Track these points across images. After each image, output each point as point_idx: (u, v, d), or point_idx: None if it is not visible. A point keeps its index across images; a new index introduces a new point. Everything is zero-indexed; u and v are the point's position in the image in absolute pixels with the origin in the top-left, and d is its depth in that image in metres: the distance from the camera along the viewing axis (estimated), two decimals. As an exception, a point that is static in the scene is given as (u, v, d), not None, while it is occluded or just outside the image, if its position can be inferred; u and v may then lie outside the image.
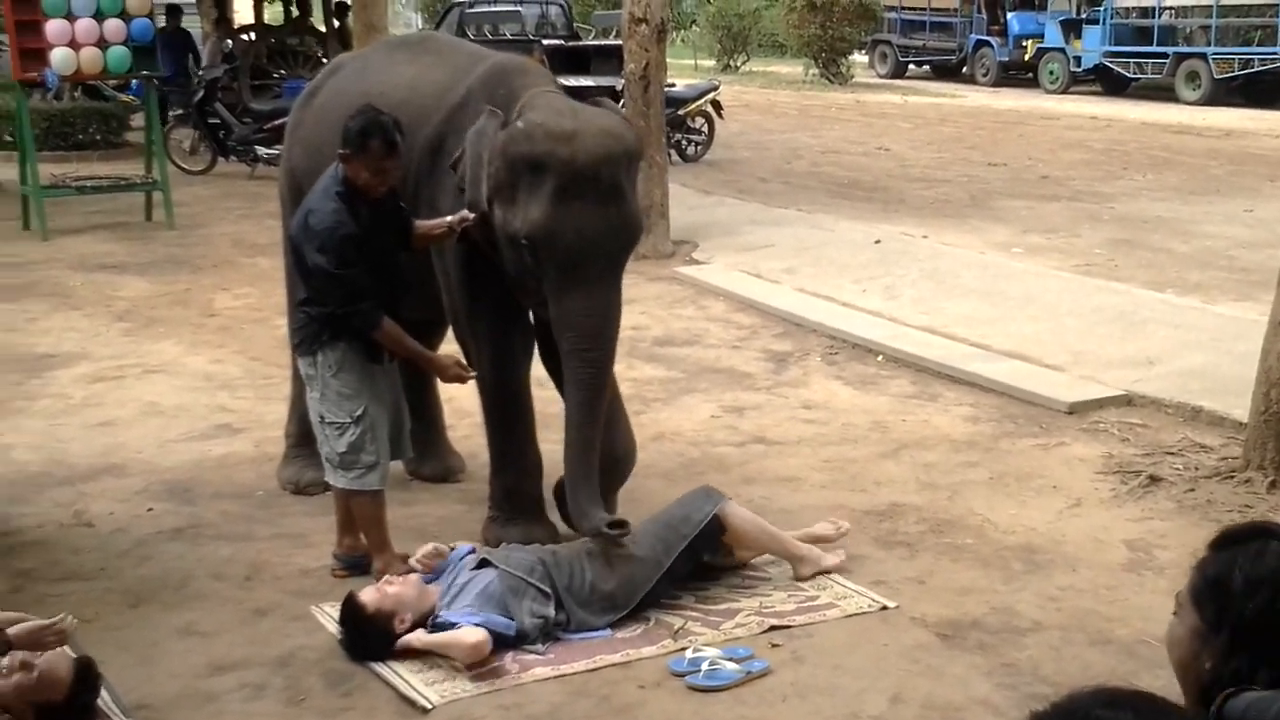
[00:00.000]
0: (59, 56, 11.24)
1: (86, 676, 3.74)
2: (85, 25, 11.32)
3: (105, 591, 4.80)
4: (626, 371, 7.30)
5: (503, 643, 4.28)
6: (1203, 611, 2.14)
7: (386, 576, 4.43)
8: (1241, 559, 2.15)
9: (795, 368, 7.81)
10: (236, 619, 4.59)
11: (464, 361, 5.05)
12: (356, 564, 4.93)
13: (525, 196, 4.57)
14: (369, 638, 4.28)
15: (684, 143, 16.14)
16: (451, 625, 4.27)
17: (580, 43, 19.95)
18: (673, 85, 14.58)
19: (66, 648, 3.79)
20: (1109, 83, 27.32)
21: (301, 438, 5.69)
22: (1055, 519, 5.49)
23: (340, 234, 4.61)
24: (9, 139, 14.69)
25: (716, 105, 16.46)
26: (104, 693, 3.97)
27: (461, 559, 4.60)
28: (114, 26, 11.47)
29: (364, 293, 4.67)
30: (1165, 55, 25.74)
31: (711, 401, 7.12)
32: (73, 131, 15.82)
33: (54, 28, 11.19)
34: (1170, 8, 26.66)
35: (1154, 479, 5.86)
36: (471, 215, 4.69)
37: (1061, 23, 27.79)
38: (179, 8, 18.08)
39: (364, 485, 4.84)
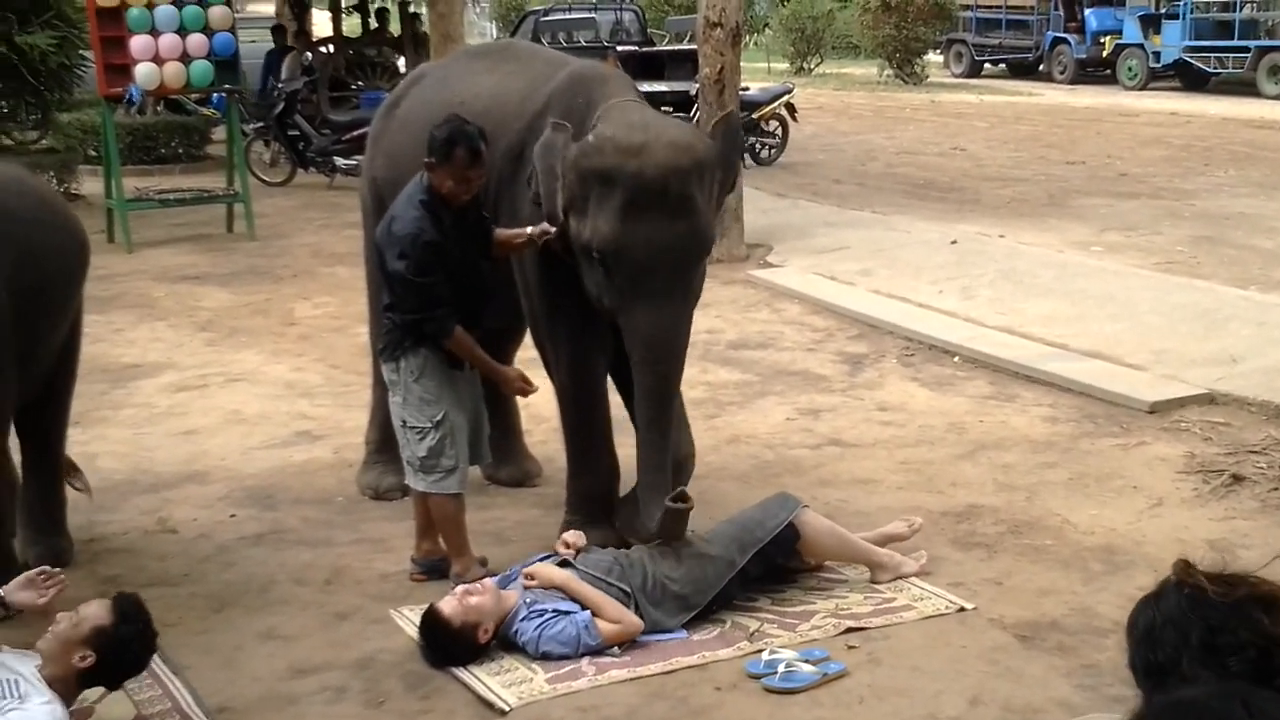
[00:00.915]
0: (143, 72, 11.44)
1: (125, 600, 3.84)
2: (169, 40, 11.51)
3: (189, 596, 4.88)
4: (701, 375, 7.31)
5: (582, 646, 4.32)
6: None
7: (465, 586, 4.45)
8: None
9: (871, 370, 7.78)
10: (317, 623, 4.66)
11: (527, 376, 5.09)
12: (435, 568, 4.98)
13: (595, 209, 4.60)
14: (454, 649, 4.31)
15: (758, 146, 16.13)
16: (551, 614, 4.33)
17: (654, 48, 20.00)
18: (747, 89, 14.56)
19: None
20: (1188, 78, 26.93)
21: (381, 444, 5.76)
22: (1136, 519, 5.43)
23: (422, 241, 4.66)
24: (94, 153, 14.96)
25: (791, 108, 16.44)
26: (174, 678, 4.05)
27: (539, 560, 4.64)
28: (197, 41, 11.66)
29: (440, 300, 4.72)
30: (1246, 49, 25.34)
31: (787, 404, 7.11)
32: (155, 145, 16.09)
33: (138, 43, 11.40)
34: (1252, 1, 26.23)
35: (1237, 478, 5.78)
36: (553, 228, 4.73)
37: (1140, 18, 27.41)
38: (282, 27, 18.33)
39: (443, 489, 4.88)
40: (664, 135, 4.68)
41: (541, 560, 4.65)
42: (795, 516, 4.76)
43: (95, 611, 3.78)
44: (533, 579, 4.49)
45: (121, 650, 3.81)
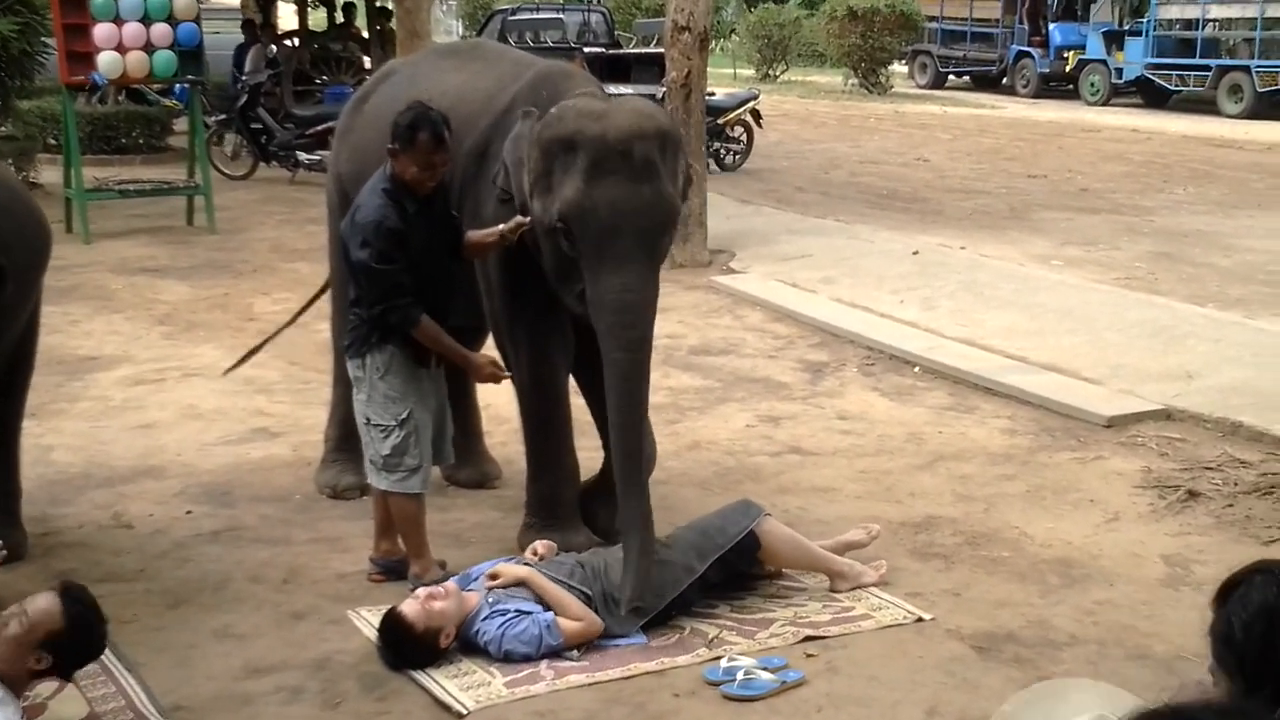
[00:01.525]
0: (105, 60, 11.34)
1: (71, 592, 3.74)
2: (132, 29, 11.42)
3: (144, 593, 4.84)
4: (662, 380, 7.31)
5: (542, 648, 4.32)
6: (1232, 674, 2.11)
7: (429, 590, 4.40)
8: (1234, 606, 2.11)
9: (831, 378, 7.80)
10: (273, 622, 4.62)
11: (500, 362, 5.06)
12: (393, 569, 4.95)
13: (559, 178, 4.56)
14: (413, 653, 4.28)
15: (722, 151, 16.16)
16: (513, 613, 4.31)
17: (621, 50, 20.00)
18: (713, 94, 14.59)
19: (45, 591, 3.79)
20: (1150, 95, 27.19)
21: (340, 442, 5.73)
22: (1092, 533, 5.47)
23: (385, 228, 4.63)
24: (53, 142, 14.82)
25: (756, 114, 16.47)
26: (128, 675, 4.01)
27: (498, 564, 4.62)
28: (160, 31, 11.56)
29: (405, 289, 4.68)
30: (1208, 68, 25.59)
31: (747, 411, 7.12)
32: (116, 135, 15.97)
33: (101, 31, 11.30)
34: (1214, 20, 26.48)
35: (1192, 494, 5.83)
36: (526, 220, 4.69)
37: (1104, 34, 27.64)
38: (252, 22, 18.25)
39: (406, 488, 4.86)
40: (626, 104, 4.74)
41: (499, 563, 4.64)
42: (756, 525, 4.76)
43: (44, 610, 3.67)
44: (496, 578, 4.48)
45: (75, 648, 3.75)
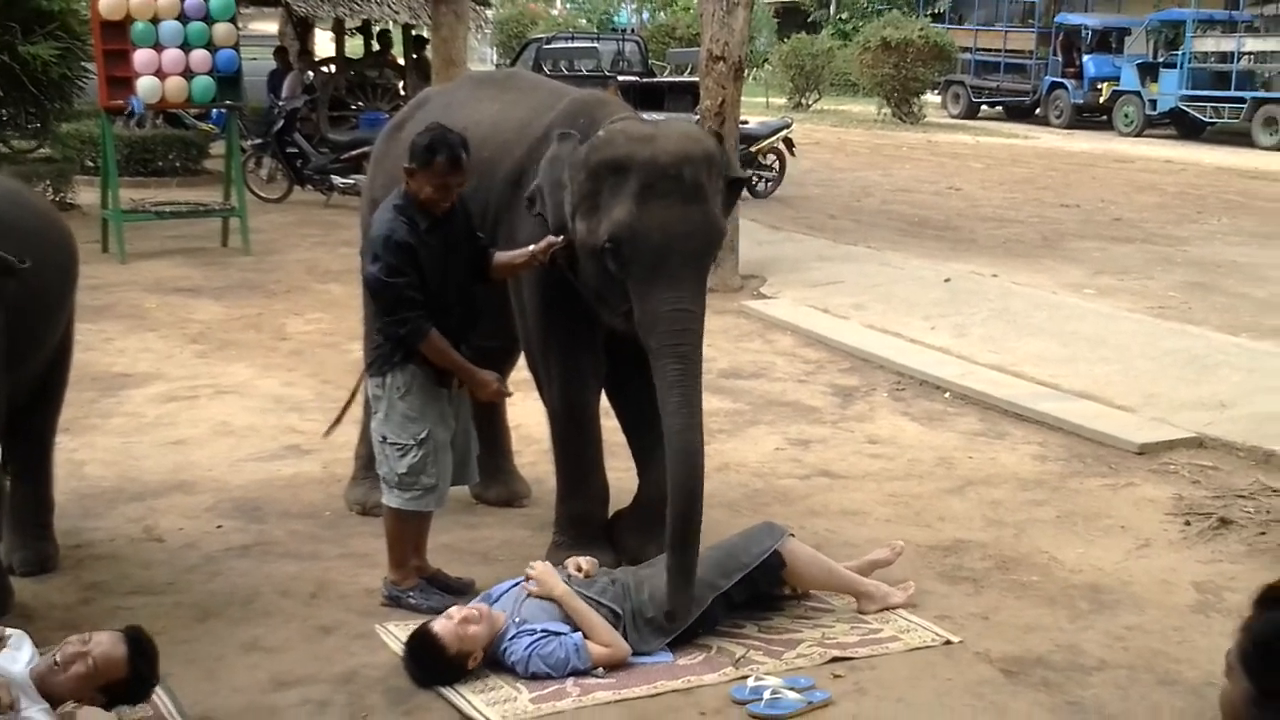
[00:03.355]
0: (145, 85, 11.45)
1: (139, 644, 3.88)
2: (172, 55, 11.51)
3: (174, 606, 4.86)
4: (693, 402, 7.30)
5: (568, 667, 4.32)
6: (1253, 676, 2.06)
7: (464, 613, 4.36)
8: (1275, 616, 2.04)
9: (861, 403, 7.79)
10: (301, 636, 4.64)
11: (503, 379, 5.06)
12: (399, 600, 4.91)
13: (608, 200, 4.58)
14: (439, 673, 4.28)
15: (755, 179, 16.17)
16: (541, 634, 4.32)
17: (655, 79, 20.07)
18: (746, 122, 14.62)
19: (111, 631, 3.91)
20: (1184, 127, 27.12)
21: (370, 460, 5.72)
22: (1123, 559, 5.43)
23: (393, 241, 4.65)
24: (91, 164, 14.97)
25: (789, 142, 16.50)
26: (160, 690, 4.05)
27: (521, 583, 4.62)
28: (199, 57, 11.66)
29: (413, 303, 4.69)
30: (1243, 100, 25.53)
31: (777, 434, 7.12)
32: (152, 158, 16.09)
33: (141, 57, 11.41)
34: (1250, 53, 26.42)
35: (1224, 521, 5.79)
36: (560, 240, 4.72)
37: (1138, 66, 27.59)
38: (284, 49, 18.45)
39: (420, 506, 4.87)
40: (674, 128, 4.78)
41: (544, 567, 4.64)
42: (781, 545, 4.76)
43: (110, 659, 3.81)
44: (533, 580, 4.50)
45: (130, 695, 3.91)
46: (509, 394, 5.08)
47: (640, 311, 4.60)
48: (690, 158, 4.61)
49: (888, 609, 4.84)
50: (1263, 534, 5.68)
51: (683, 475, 4.44)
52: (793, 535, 4.86)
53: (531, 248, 4.79)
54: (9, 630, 3.85)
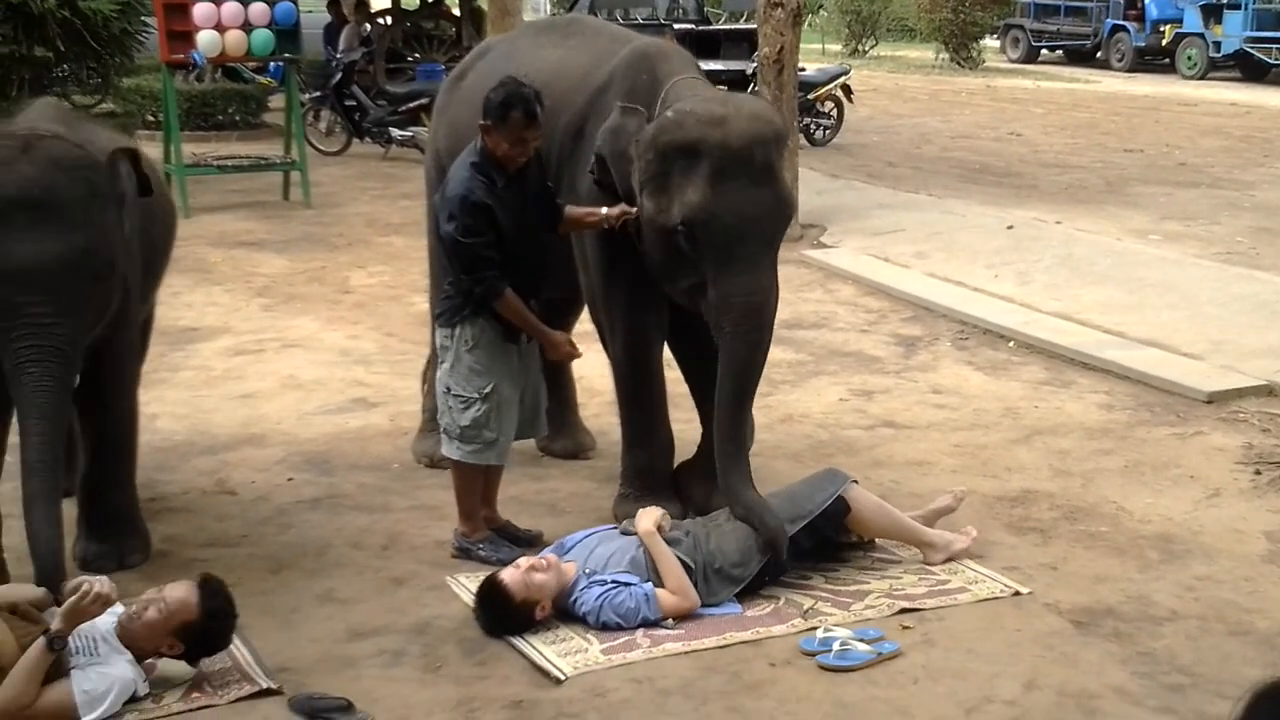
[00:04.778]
0: (205, 39, 11.53)
1: (210, 586, 3.97)
2: (231, 9, 11.60)
3: (248, 557, 4.94)
4: (756, 353, 7.30)
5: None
6: None
7: (532, 561, 4.43)
8: None
9: (925, 352, 7.75)
10: (374, 587, 4.70)
11: (573, 341, 5.10)
12: (468, 552, 4.96)
13: (679, 183, 4.59)
14: (508, 621, 4.33)
15: (813, 127, 16.06)
16: (612, 584, 4.36)
17: (711, 27, 19.94)
18: (803, 69, 14.50)
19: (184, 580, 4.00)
20: (1248, 69, 26.63)
21: (437, 413, 5.79)
22: (1192, 508, 5.40)
23: (470, 201, 4.67)
24: (152, 119, 15.08)
25: (847, 90, 16.36)
26: (235, 637, 4.12)
27: (591, 534, 4.66)
28: (258, 10, 11.75)
29: (490, 262, 4.72)
30: (1310, 41, 25.04)
31: (840, 385, 7.11)
32: (213, 112, 16.18)
33: (201, 11, 11.48)
34: (1317, -9, 25.92)
35: (1296, 471, 5.73)
36: (633, 211, 4.73)
37: (1201, 7, 27.08)
38: (338, 1, 18.49)
39: (481, 460, 4.91)
40: (743, 108, 4.73)
41: (603, 531, 4.68)
42: (845, 490, 4.77)
43: (182, 600, 3.90)
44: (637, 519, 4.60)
45: (206, 639, 3.99)
46: (579, 355, 5.11)
47: (714, 293, 4.64)
48: (761, 139, 4.62)
49: (952, 559, 4.84)
50: (1334, 483, 5.62)
51: (725, 449, 4.77)
52: (856, 482, 4.87)
53: (605, 210, 4.80)
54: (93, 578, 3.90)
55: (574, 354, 5.09)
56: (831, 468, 5.05)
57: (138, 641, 3.90)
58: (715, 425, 4.79)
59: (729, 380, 4.72)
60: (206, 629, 3.95)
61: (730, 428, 4.76)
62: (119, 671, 3.82)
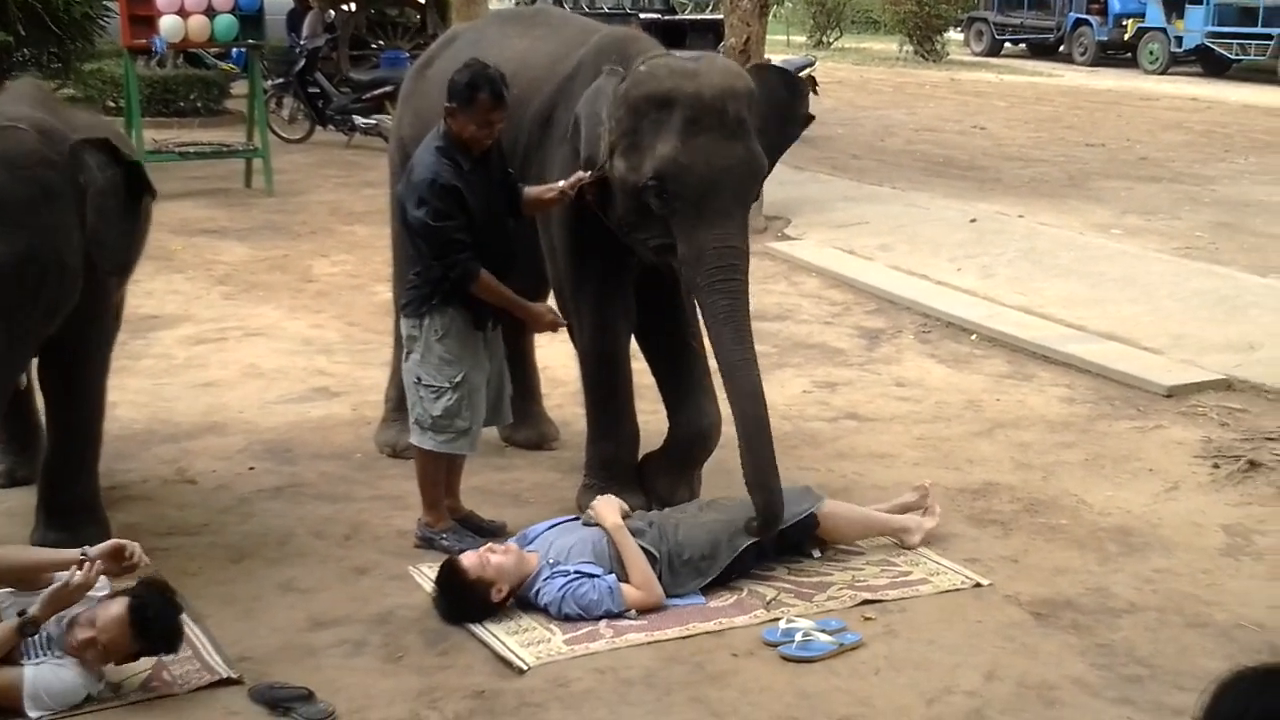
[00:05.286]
0: (168, 24, 11.43)
1: (141, 610, 3.79)
2: (194, -7, 11.50)
3: (209, 546, 4.91)
4: (719, 344, 7.31)
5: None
6: None
7: (490, 544, 4.46)
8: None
9: (888, 345, 7.78)
10: (336, 577, 4.68)
11: (556, 311, 5.07)
12: (431, 542, 4.95)
13: (650, 136, 4.58)
14: (466, 604, 4.33)
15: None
16: (575, 575, 4.36)
17: (676, 16, 19.92)
18: (769, 60, 14.50)
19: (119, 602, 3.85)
20: (1209, 64, 26.85)
21: (400, 402, 5.75)
22: (1152, 502, 5.44)
23: (439, 185, 4.64)
24: (112, 104, 14.94)
25: (813, 81, 16.29)
26: (194, 626, 4.08)
27: (555, 525, 4.66)
28: (222, -5, 11.65)
29: (462, 245, 4.69)
30: (1269, 36, 25.22)
31: (804, 377, 7.12)
32: (174, 98, 16.05)
33: (164, -4, 11.39)
34: (1277, -12, 26.11)
35: (1253, 464, 5.78)
36: (587, 175, 4.70)
37: (1164, 2, 27.25)
38: None
39: (454, 449, 4.90)
40: (715, 63, 4.78)
41: (567, 522, 4.68)
42: (817, 508, 4.81)
43: (114, 624, 3.76)
44: (594, 510, 4.59)
45: (150, 651, 3.90)
46: (564, 323, 5.06)
47: (685, 248, 4.60)
48: (734, 92, 4.62)
49: (926, 543, 4.91)
50: (1292, 476, 5.68)
51: (749, 405, 4.55)
52: (827, 499, 4.90)
53: (561, 183, 4.78)
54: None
55: (558, 323, 5.03)
56: (808, 486, 5.04)
57: (81, 655, 3.81)
58: (726, 383, 4.62)
59: (722, 336, 4.62)
60: (144, 647, 3.86)
61: (742, 382, 4.57)
62: (69, 676, 3.76)
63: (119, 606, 3.80)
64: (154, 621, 3.82)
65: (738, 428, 4.59)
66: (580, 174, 4.73)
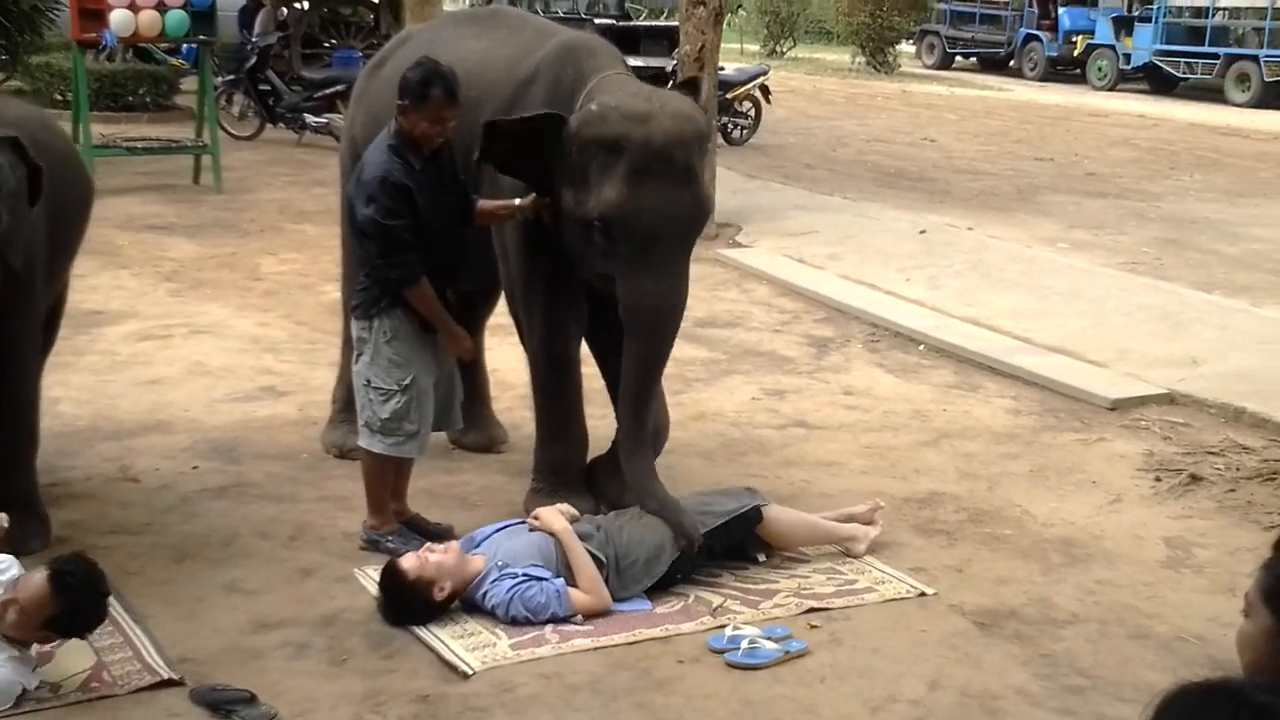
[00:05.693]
0: (118, 18, 11.31)
1: (61, 580, 3.74)
2: (145, -12, 11.40)
3: (151, 546, 4.86)
4: (669, 351, 7.31)
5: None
6: (1277, 613, 2.06)
7: (430, 545, 4.46)
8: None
9: (837, 354, 7.81)
10: (280, 578, 4.64)
11: (473, 345, 5.16)
12: (377, 544, 4.92)
13: (598, 177, 4.58)
14: (407, 604, 4.31)
15: (730, 126, 16.11)
16: (523, 578, 4.34)
17: (631, 23, 19.92)
18: (722, 69, 14.54)
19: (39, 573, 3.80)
20: (1157, 82, 27.19)
21: (347, 403, 5.72)
22: (1095, 514, 5.49)
23: (390, 183, 4.62)
24: (60, 98, 14.79)
25: (765, 90, 16.44)
26: (135, 626, 4.04)
27: (502, 528, 4.65)
28: (173, -10, 11.55)
29: (408, 245, 4.66)
30: (1216, 56, 25.59)
31: (752, 384, 7.14)
32: (123, 93, 15.88)
33: (114, -11, 11.27)
34: (1224, 9, 26.47)
35: (1195, 478, 5.85)
36: (544, 200, 4.72)
37: (1113, 19, 27.62)
38: None
39: (402, 452, 4.87)
40: (668, 105, 4.70)
41: (514, 525, 4.67)
42: (762, 504, 4.83)
43: (36, 599, 3.72)
44: (537, 519, 4.58)
45: (77, 625, 3.84)
46: (476, 355, 5.19)
47: (625, 291, 4.68)
48: (683, 139, 4.62)
49: (872, 551, 4.93)
50: (1232, 491, 5.74)
51: (630, 438, 4.85)
52: (772, 503, 4.92)
53: (517, 201, 4.78)
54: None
55: (471, 353, 5.12)
56: (751, 487, 5.05)
57: (15, 634, 3.77)
58: (619, 421, 4.84)
59: (631, 378, 4.79)
60: (72, 619, 3.80)
61: (634, 425, 4.81)
62: (1, 674, 3.70)
63: (40, 572, 3.78)
64: (72, 577, 3.75)
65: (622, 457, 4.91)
66: (538, 199, 4.76)
